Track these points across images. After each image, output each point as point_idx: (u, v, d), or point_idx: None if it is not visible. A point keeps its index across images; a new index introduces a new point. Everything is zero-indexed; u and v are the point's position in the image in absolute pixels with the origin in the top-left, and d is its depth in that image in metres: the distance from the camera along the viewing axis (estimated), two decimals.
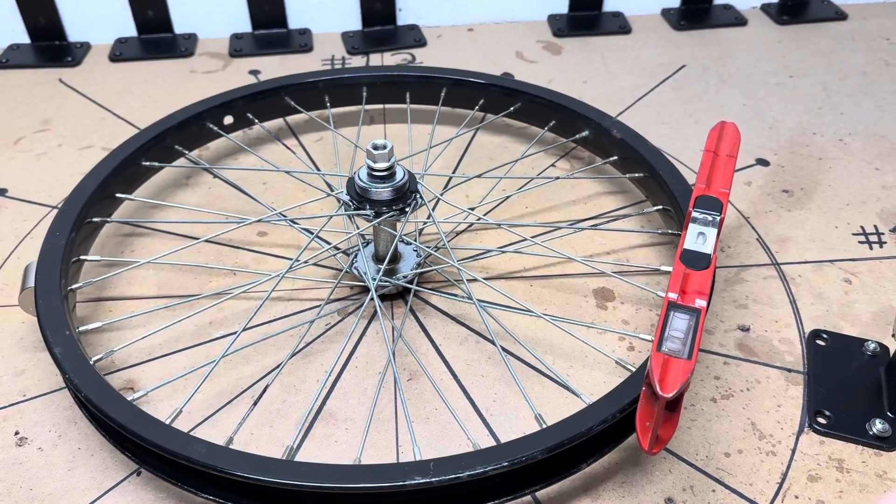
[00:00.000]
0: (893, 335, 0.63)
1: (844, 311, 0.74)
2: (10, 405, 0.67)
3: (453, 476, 0.51)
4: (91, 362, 0.59)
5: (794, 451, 0.63)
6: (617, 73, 1.09)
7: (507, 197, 0.86)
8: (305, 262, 0.76)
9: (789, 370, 0.69)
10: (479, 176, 0.85)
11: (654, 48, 1.15)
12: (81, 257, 0.72)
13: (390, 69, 0.93)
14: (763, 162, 0.93)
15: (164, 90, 1.06)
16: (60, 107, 1.03)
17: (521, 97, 0.89)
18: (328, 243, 0.75)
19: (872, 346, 0.70)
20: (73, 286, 0.68)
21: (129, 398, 0.57)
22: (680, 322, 0.55)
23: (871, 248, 0.81)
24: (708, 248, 0.60)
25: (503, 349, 0.70)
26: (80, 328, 0.66)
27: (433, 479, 0.51)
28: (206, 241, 0.80)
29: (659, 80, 1.08)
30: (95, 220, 0.75)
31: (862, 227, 0.84)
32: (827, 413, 0.65)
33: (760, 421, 0.65)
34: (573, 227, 0.82)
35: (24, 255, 0.80)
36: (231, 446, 0.54)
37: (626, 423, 0.58)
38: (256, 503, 0.54)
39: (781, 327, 0.73)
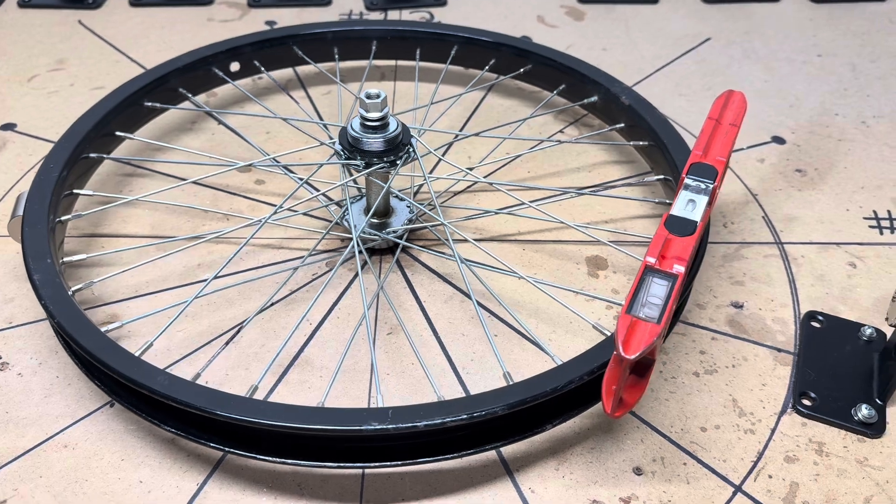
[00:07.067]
0: (887, 319, 0.60)
1: (845, 295, 0.72)
2: None
3: (410, 425, 0.50)
4: (70, 292, 0.60)
5: (773, 430, 0.61)
6: (639, 42, 1.06)
7: (512, 159, 0.85)
8: (293, 209, 0.76)
9: (779, 350, 0.67)
10: (476, 134, 0.83)
11: (681, 19, 1.11)
12: (75, 191, 0.72)
13: (401, 24, 0.91)
14: (779, 140, 0.89)
15: (179, 36, 1.06)
16: (77, 48, 1.04)
17: (532, 58, 0.87)
18: (317, 191, 0.75)
19: (869, 331, 0.68)
20: (63, 217, 0.69)
21: (106, 328, 0.58)
22: (658, 288, 0.53)
23: (881, 233, 0.78)
24: (696, 215, 0.58)
25: (480, 305, 0.69)
26: (65, 259, 0.67)
27: (390, 426, 0.50)
28: (195, 182, 0.80)
29: (681, 51, 1.05)
30: (92, 155, 0.75)
31: (874, 212, 0.80)
32: (812, 395, 0.63)
33: (742, 398, 0.63)
34: (567, 192, 0.80)
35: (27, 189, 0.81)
36: (199, 382, 0.55)
37: (596, 386, 0.57)
38: (216, 439, 0.54)
39: (777, 307, 0.71)
